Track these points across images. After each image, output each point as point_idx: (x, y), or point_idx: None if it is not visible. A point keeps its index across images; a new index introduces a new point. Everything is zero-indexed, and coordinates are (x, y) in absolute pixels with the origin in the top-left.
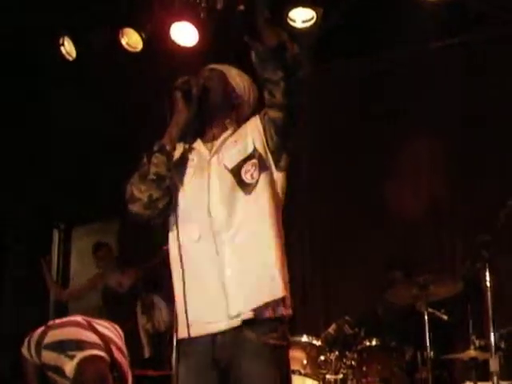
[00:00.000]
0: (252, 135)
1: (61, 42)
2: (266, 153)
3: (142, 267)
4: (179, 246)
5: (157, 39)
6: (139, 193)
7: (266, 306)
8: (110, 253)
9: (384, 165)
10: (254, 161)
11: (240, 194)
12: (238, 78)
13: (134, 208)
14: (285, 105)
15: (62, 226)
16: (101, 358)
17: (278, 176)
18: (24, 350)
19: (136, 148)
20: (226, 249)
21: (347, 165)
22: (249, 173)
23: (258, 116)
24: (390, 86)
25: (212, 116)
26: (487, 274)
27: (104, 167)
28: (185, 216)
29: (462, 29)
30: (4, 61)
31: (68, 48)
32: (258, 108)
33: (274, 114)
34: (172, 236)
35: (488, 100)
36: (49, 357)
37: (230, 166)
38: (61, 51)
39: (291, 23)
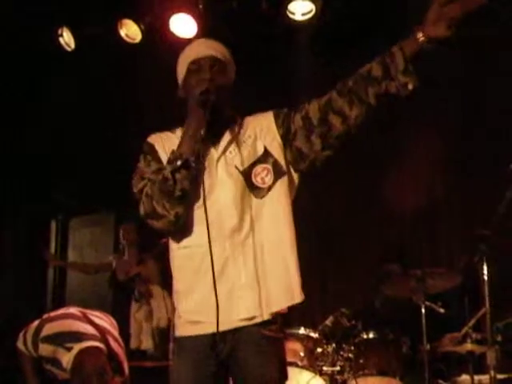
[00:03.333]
0: (264, 140)
1: (60, 32)
2: (282, 159)
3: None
4: (187, 247)
5: (156, 31)
6: (163, 210)
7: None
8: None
9: (381, 158)
10: (266, 165)
11: (251, 196)
12: (230, 60)
13: (158, 225)
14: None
15: (59, 217)
16: (98, 349)
17: (296, 176)
18: (20, 345)
19: (135, 140)
20: (237, 252)
21: (344, 158)
22: (259, 176)
23: (272, 122)
24: None
25: (216, 114)
26: (485, 267)
27: (103, 159)
28: (195, 217)
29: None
30: (3, 52)
31: (67, 39)
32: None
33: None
34: (180, 236)
35: (488, 94)
36: (46, 349)
37: (242, 167)
38: (59, 42)
39: (291, 16)
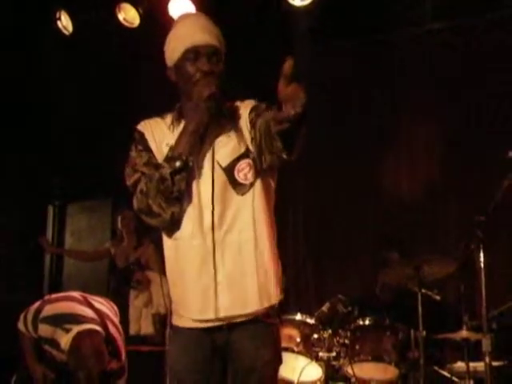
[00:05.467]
0: (245, 134)
1: (57, 16)
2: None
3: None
4: (174, 239)
5: (154, 15)
6: (159, 208)
7: (262, 309)
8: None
9: (380, 146)
10: (248, 161)
11: (233, 193)
12: (224, 44)
13: (153, 222)
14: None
15: (56, 203)
16: (97, 332)
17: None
18: (20, 325)
19: (133, 125)
20: (218, 248)
21: (341, 146)
22: (242, 172)
23: (248, 117)
24: (388, 67)
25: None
26: (481, 254)
27: (100, 144)
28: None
29: (462, 11)
30: (0, 35)
31: (65, 22)
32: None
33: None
34: (169, 229)
35: (486, 81)
36: (45, 330)
37: (224, 164)
38: (57, 25)
39: (290, 1)
